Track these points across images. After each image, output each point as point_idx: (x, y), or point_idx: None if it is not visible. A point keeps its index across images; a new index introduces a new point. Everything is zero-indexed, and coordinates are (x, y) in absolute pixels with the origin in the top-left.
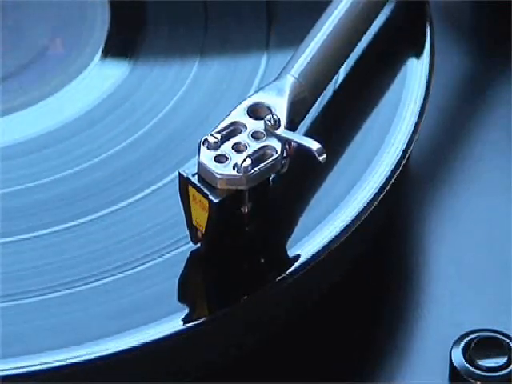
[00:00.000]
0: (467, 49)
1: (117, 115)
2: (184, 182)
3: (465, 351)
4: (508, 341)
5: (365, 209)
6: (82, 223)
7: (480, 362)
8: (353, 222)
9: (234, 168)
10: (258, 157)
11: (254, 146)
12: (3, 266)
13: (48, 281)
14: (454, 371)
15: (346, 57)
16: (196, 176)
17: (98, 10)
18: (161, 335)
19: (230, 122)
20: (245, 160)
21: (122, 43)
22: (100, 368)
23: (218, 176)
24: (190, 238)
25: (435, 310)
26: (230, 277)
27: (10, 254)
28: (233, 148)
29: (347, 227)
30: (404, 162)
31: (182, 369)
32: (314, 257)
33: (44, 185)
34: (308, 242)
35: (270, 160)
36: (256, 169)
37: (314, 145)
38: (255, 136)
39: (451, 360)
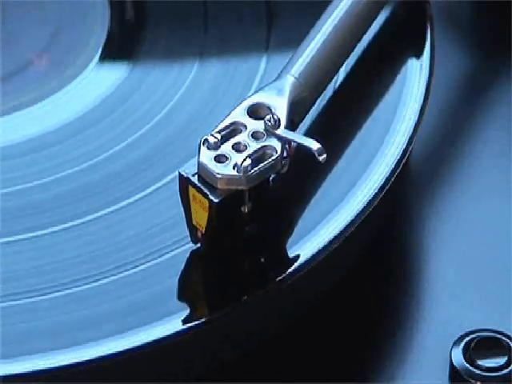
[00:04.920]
0: (467, 49)
1: (117, 115)
2: (184, 181)
3: (465, 351)
4: (508, 341)
5: (365, 209)
6: (81, 223)
7: (480, 362)
8: (353, 222)
9: (234, 168)
10: (257, 157)
11: (254, 145)
12: (3, 265)
13: (48, 281)
14: (453, 371)
15: (347, 57)
16: (196, 176)
17: (98, 11)
18: (161, 335)
19: (230, 121)
20: (245, 160)
21: (122, 44)
22: (100, 368)
23: (218, 176)
24: (189, 238)
25: (435, 310)
26: (230, 277)
27: (9, 254)
28: (233, 148)
29: (347, 227)
30: (404, 162)
31: (182, 369)
32: (314, 257)
33: (44, 185)
34: (308, 242)
35: (270, 160)
36: (256, 169)
37: (314, 145)
38: (255, 136)
39: (451, 360)
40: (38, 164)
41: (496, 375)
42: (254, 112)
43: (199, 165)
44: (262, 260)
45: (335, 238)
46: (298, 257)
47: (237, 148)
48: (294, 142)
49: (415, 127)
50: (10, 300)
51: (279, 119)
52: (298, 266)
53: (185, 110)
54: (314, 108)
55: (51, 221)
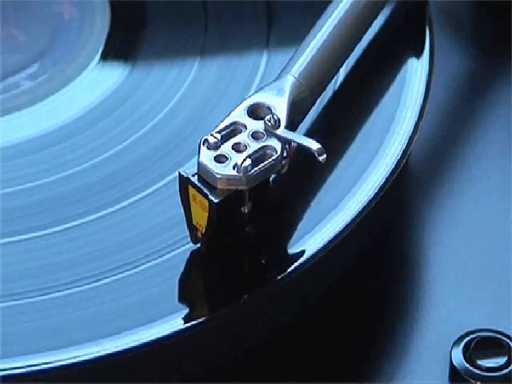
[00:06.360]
0: (467, 49)
1: (117, 115)
2: (184, 182)
3: (465, 351)
4: (508, 341)
5: (364, 208)
6: (82, 223)
7: (480, 362)
8: (352, 221)
9: (233, 168)
10: (258, 157)
11: (254, 146)
12: (3, 265)
13: (48, 281)
14: (454, 371)
15: (346, 57)
16: (196, 176)
17: (98, 11)
18: (161, 335)
19: (230, 121)
20: (245, 160)
21: (122, 44)
22: (100, 368)
23: (218, 176)
24: (189, 238)
25: (435, 310)
26: (230, 276)
27: (10, 254)
28: (233, 148)
29: (347, 227)
30: (404, 162)
31: (182, 369)
32: (313, 256)
33: (44, 185)
34: (308, 242)
35: (270, 160)
36: (256, 169)
37: (314, 145)
38: (255, 136)
39: (451, 360)
40: (38, 164)
41: (496, 375)
42: (254, 112)
43: (199, 165)
44: (262, 260)
45: (335, 237)
46: (297, 256)
47: (237, 148)
48: (294, 142)
49: (415, 127)
50: (9, 300)
51: (279, 119)
52: (298, 266)
53: (185, 110)
54: (313, 108)
55: (51, 221)
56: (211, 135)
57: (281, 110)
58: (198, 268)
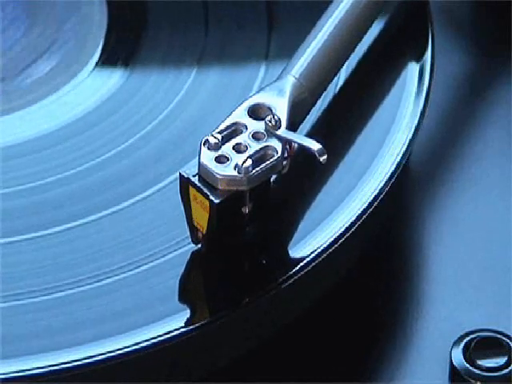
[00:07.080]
0: (467, 49)
1: (118, 115)
2: (185, 182)
3: (465, 351)
4: (508, 341)
5: (365, 210)
6: (83, 224)
7: (480, 362)
8: (353, 222)
9: (234, 168)
10: (258, 157)
11: (254, 146)
12: (4, 266)
13: (48, 281)
14: (454, 371)
15: (347, 57)
16: (197, 176)
17: (97, 13)
18: (162, 336)
19: (231, 122)
20: (245, 160)
21: (122, 45)
22: (101, 368)
23: (218, 176)
24: (190, 239)
25: (435, 310)
26: (230, 277)
27: (10, 255)
28: (233, 148)
29: (348, 228)
30: (404, 163)
31: (182, 369)
32: (314, 258)
33: (45, 185)
34: (309, 243)
35: (271, 160)
36: (257, 169)
37: (314, 145)
38: (256, 136)
39: (451, 360)
40: (39, 164)
41: (496, 375)
42: (255, 112)
43: (200, 165)
44: (263, 261)
45: (336, 238)
46: (298, 258)
47: (237, 148)
48: (295, 142)
49: (416, 128)
50: (10, 300)
51: (280, 120)
52: (299, 268)
53: (186, 112)
54: (314, 109)
55: (53, 221)
56: (212, 136)
57: (281, 111)
58: (199, 269)
